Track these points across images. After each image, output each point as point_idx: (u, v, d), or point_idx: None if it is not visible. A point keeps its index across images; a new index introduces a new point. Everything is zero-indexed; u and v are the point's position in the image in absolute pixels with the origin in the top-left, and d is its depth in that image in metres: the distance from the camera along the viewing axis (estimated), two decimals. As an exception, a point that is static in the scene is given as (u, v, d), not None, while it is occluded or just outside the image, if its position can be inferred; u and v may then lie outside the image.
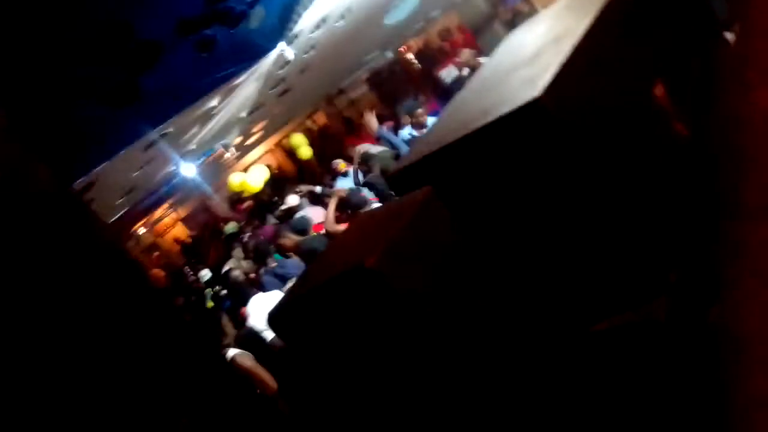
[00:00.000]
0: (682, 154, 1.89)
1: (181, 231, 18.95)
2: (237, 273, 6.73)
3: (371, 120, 7.91)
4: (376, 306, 1.42)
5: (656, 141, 1.91)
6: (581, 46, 1.71)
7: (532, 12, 8.61)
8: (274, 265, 6.28)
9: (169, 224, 18.85)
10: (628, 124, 1.82)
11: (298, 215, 7.29)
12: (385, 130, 8.54)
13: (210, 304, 8.13)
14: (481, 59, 9.47)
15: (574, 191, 1.60)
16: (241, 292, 5.48)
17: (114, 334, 1.44)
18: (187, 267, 12.75)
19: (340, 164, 8.34)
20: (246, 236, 9.65)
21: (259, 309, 4.88)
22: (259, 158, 15.46)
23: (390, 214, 1.59)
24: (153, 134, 4.46)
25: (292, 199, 8.75)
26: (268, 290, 5.41)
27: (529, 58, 1.96)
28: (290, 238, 5.98)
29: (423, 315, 1.42)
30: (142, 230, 16.14)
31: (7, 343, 1.27)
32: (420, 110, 7.56)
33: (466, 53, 9.44)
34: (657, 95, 1.93)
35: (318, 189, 7.96)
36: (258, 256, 7.15)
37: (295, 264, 5.75)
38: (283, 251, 6.07)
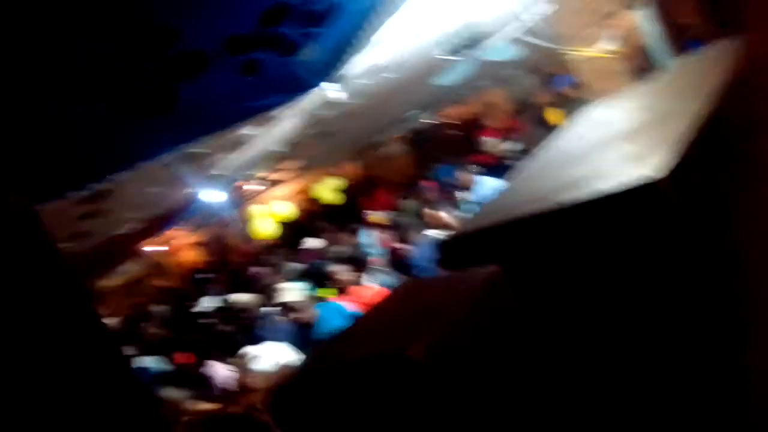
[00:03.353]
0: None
1: (192, 255, 18.73)
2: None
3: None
4: (415, 403, 1.07)
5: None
6: (698, 128, 1.41)
7: (580, 98, 8.45)
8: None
9: (183, 246, 18.65)
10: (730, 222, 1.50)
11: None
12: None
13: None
14: (507, 146, 9.26)
15: (676, 286, 1.27)
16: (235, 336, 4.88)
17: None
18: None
19: (371, 217, 8.18)
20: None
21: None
22: (282, 196, 15.32)
23: (447, 291, 1.25)
24: (180, 151, 4.21)
25: (312, 242, 8.50)
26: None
27: (626, 133, 1.66)
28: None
29: (474, 416, 1.08)
30: (153, 248, 15.94)
31: None
32: (465, 173, 6.91)
33: (491, 142, 9.18)
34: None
35: None
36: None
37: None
38: None
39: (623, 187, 1.18)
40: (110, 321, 14.14)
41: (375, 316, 1.39)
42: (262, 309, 6.37)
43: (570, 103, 9.17)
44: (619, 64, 6.98)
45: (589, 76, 7.16)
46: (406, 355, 0.98)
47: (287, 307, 4.63)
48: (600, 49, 7.23)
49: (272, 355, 4.29)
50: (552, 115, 9.61)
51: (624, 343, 1.28)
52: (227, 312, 6.36)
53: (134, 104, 3.02)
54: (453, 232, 1.68)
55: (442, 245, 1.56)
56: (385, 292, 5.05)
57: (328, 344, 1.39)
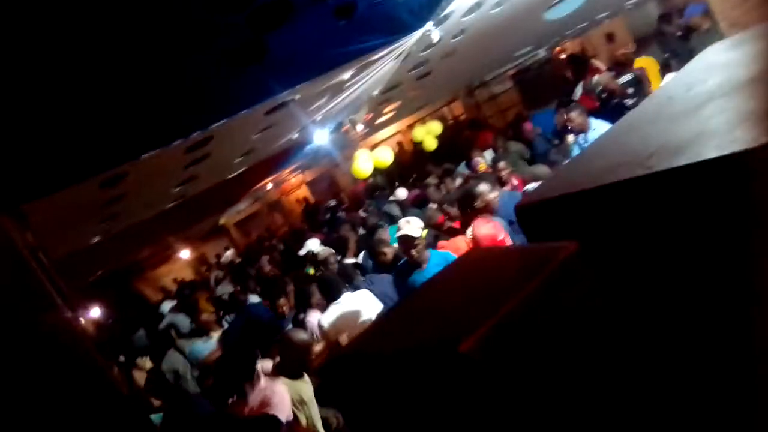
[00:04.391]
0: None
1: (305, 192, 19.44)
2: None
3: None
4: (468, 397, 0.98)
5: None
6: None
7: (712, 30, 7.52)
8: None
9: (295, 185, 19.36)
10: None
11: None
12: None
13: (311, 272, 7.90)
14: (622, 80, 8.45)
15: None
16: (330, 283, 4.96)
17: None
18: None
19: (481, 165, 7.90)
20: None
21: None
22: (387, 139, 15.32)
23: (514, 270, 1.13)
24: (277, 99, 4.23)
25: (401, 192, 8.43)
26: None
27: (739, 84, 1.40)
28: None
29: (535, 416, 0.98)
30: (269, 186, 16.63)
31: None
32: (574, 113, 6.35)
33: (604, 77, 8.38)
34: None
35: None
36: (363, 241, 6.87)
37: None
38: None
39: (724, 154, 0.98)
40: (231, 254, 15.09)
41: (436, 289, 1.29)
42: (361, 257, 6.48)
43: (700, 36, 8.25)
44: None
45: (723, 4, 6.33)
46: (457, 350, 0.88)
47: (404, 241, 4.55)
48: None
49: (363, 305, 4.34)
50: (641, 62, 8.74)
51: (720, 344, 1.10)
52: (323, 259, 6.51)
53: (227, 56, 3.04)
54: (536, 192, 1.52)
55: (519, 210, 1.42)
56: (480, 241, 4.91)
57: (384, 320, 1.32)
